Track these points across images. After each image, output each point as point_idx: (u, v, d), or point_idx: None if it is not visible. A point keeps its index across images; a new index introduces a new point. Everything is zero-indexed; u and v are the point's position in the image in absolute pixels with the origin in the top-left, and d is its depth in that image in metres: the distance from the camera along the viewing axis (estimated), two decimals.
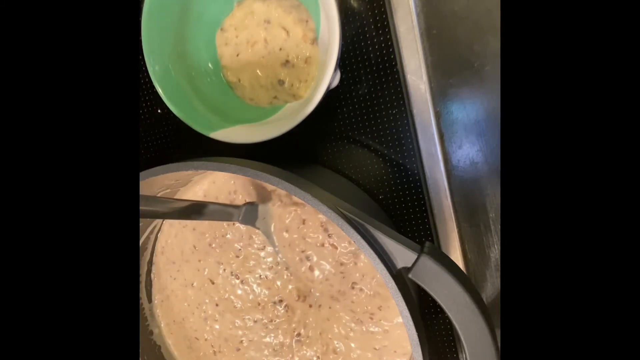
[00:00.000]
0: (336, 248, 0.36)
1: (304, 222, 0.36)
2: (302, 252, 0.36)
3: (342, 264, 0.36)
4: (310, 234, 0.36)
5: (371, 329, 0.38)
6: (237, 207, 0.35)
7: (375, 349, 0.38)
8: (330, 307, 0.38)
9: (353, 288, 0.37)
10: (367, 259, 0.35)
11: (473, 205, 0.41)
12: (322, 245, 0.36)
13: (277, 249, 0.36)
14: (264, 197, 0.38)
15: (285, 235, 0.36)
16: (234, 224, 0.40)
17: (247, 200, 0.39)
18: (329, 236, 0.36)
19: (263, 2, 0.39)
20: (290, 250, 0.36)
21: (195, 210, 0.33)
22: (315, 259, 0.36)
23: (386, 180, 0.42)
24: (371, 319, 0.37)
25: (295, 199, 0.36)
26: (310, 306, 0.39)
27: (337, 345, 0.39)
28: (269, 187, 0.38)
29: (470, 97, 0.39)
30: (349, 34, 0.40)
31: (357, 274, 0.37)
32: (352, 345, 0.38)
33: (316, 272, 0.37)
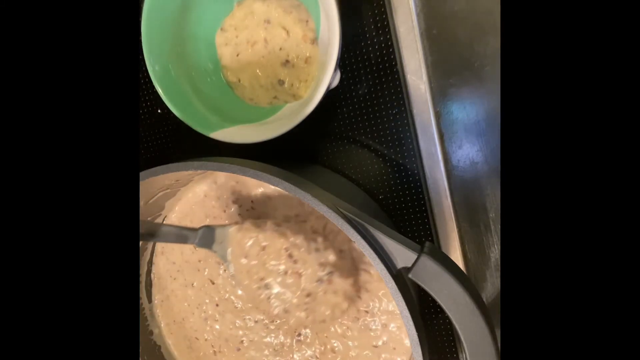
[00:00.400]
0: (300, 276, 0.33)
1: (264, 248, 0.34)
2: (261, 279, 0.34)
3: (308, 294, 0.33)
4: (271, 261, 0.33)
5: (370, 326, 0.37)
6: (193, 230, 0.34)
7: (374, 346, 0.38)
8: None
9: (324, 321, 0.35)
10: (341, 286, 0.34)
11: (473, 205, 0.41)
12: (285, 273, 0.33)
13: (232, 272, 0.34)
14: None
15: (244, 261, 0.34)
16: (236, 223, 0.40)
17: (252, 201, 0.39)
18: (294, 262, 0.33)
19: (263, 2, 0.39)
20: (247, 277, 0.34)
21: (148, 232, 0.32)
22: (275, 288, 0.34)
23: (386, 180, 0.42)
24: (367, 312, 0.37)
25: (259, 223, 0.34)
26: None
27: (335, 345, 0.39)
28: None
29: (470, 97, 0.39)
30: (349, 34, 0.40)
31: (324, 308, 0.34)
32: (350, 343, 0.38)
33: (274, 303, 0.34)
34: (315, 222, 0.37)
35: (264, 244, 0.34)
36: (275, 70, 0.40)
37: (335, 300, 0.34)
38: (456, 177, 0.40)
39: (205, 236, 0.34)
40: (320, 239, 0.34)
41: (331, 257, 0.33)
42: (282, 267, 0.33)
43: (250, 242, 0.34)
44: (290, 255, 0.33)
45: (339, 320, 0.38)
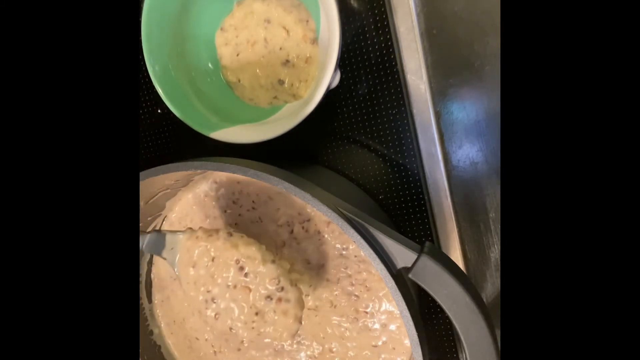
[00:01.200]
0: (249, 291, 0.31)
1: (213, 259, 0.32)
2: (208, 291, 0.32)
3: (257, 312, 0.31)
4: (221, 273, 0.32)
5: (370, 326, 0.37)
6: (141, 233, 0.33)
7: (373, 346, 0.38)
8: (317, 316, 0.38)
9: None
10: (293, 304, 0.32)
11: (473, 205, 0.41)
12: (235, 287, 0.31)
13: (177, 277, 0.33)
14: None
15: (191, 271, 0.32)
16: (235, 223, 0.40)
17: (253, 201, 0.39)
18: (245, 276, 0.31)
19: (263, 1, 0.39)
20: (194, 288, 0.32)
21: None
22: (221, 303, 0.32)
23: (386, 180, 0.42)
24: (366, 313, 0.37)
25: (211, 232, 0.33)
26: (310, 309, 0.39)
27: (332, 346, 0.39)
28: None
29: (470, 97, 0.39)
30: (349, 34, 0.40)
31: (271, 330, 0.32)
32: (349, 344, 0.38)
33: (221, 319, 0.32)
34: (318, 221, 0.37)
35: (213, 254, 0.32)
36: (275, 70, 0.40)
37: (284, 321, 0.31)
38: (456, 177, 0.40)
39: (155, 241, 0.33)
40: (285, 248, 0.32)
41: (285, 266, 0.32)
42: (230, 281, 0.31)
43: (198, 252, 0.32)
44: (241, 268, 0.32)
45: (337, 322, 0.38)
